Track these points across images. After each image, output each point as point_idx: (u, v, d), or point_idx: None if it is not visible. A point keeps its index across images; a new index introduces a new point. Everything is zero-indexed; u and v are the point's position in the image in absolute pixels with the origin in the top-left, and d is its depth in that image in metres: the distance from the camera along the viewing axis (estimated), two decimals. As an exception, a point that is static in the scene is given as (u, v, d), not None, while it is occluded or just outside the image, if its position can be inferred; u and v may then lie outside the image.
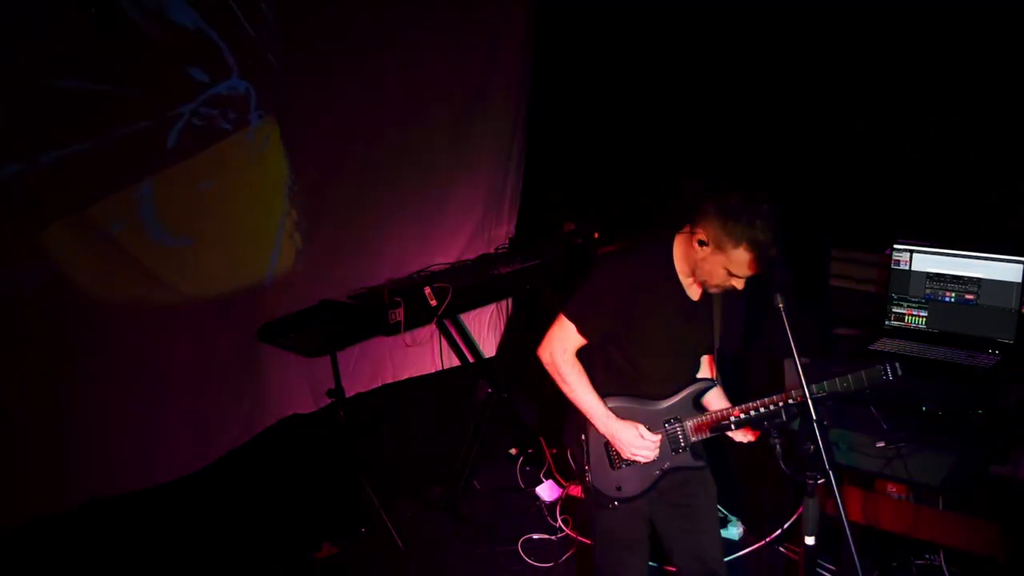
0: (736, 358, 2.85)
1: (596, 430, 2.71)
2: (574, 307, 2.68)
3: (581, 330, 2.65)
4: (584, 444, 2.74)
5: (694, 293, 2.70)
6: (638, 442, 2.66)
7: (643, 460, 2.69)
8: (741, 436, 2.73)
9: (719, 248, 2.49)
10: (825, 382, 2.51)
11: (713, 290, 2.63)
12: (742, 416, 2.61)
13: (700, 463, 2.78)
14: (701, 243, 2.53)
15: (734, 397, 2.79)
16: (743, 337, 2.86)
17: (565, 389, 2.71)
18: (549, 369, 2.72)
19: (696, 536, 2.83)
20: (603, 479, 2.74)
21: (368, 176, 4.53)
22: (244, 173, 4.13)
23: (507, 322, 5.30)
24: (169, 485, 3.87)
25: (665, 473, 2.74)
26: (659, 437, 2.69)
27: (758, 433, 2.70)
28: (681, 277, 2.66)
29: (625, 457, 2.70)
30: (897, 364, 2.47)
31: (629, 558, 2.83)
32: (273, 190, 4.20)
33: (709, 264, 2.53)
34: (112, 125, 3.65)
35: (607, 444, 2.72)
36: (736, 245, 2.45)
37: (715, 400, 2.80)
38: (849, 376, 2.51)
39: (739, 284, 2.54)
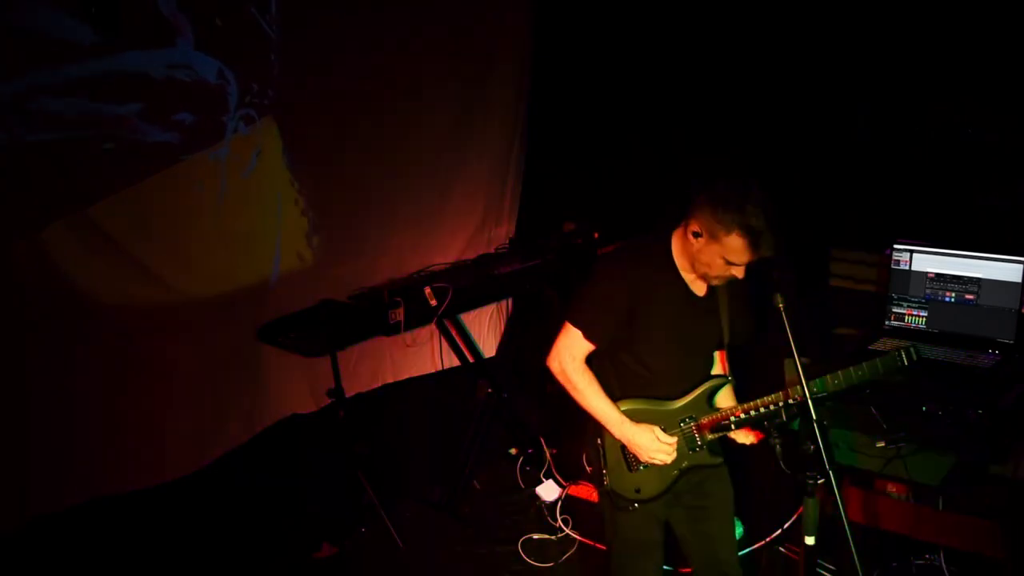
0: (746, 353, 2.84)
1: (608, 433, 2.71)
2: (578, 313, 2.66)
3: (588, 336, 2.64)
4: (600, 448, 2.73)
5: (699, 289, 2.68)
6: (655, 445, 2.65)
7: (661, 463, 2.68)
8: (743, 437, 2.73)
9: (713, 237, 2.48)
10: (840, 372, 2.51)
11: (715, 282, 2.62)
12: (743, 416, 2.61)
13: (718, 460, 2.77)
14: (695, 235, 2.52)
15: (741, 395, 2.78)
16: (755, 329, 2.83)
17: (577, 397, 2.69)
18: (559, 379, 2.70)
19: (712, 538, 2.84)
20: (622, 482, 2.73)
21: (368, 176, 4.52)
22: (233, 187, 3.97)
23: (507, 322, 5.29)
24: (169, 485, 3.87)
25: (684, 473, 2.73)
26: (675, 439, 2.68)
27: (761, 436, 2.70)
28: (683, 273, 2.65)
29: (643, 461, 2.69)
30: (912, 348, 2.47)
31: (644, 561, 2.82)
32: (273, 190, 4.19)
33: (706, 255, 2.52)
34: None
35: (622, 447, 2.71)
36: (728, 232, 2.44)
37: (728, 397, 2.79)
38: (864, 364, 2.50)
39: (739, 272, 2.53)
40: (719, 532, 2.86)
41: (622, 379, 2.70)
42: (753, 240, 2.44)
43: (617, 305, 2.62)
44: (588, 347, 2.66)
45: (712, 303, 2.70)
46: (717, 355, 2.87)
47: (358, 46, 4.31)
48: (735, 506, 2.92)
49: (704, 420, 2.69)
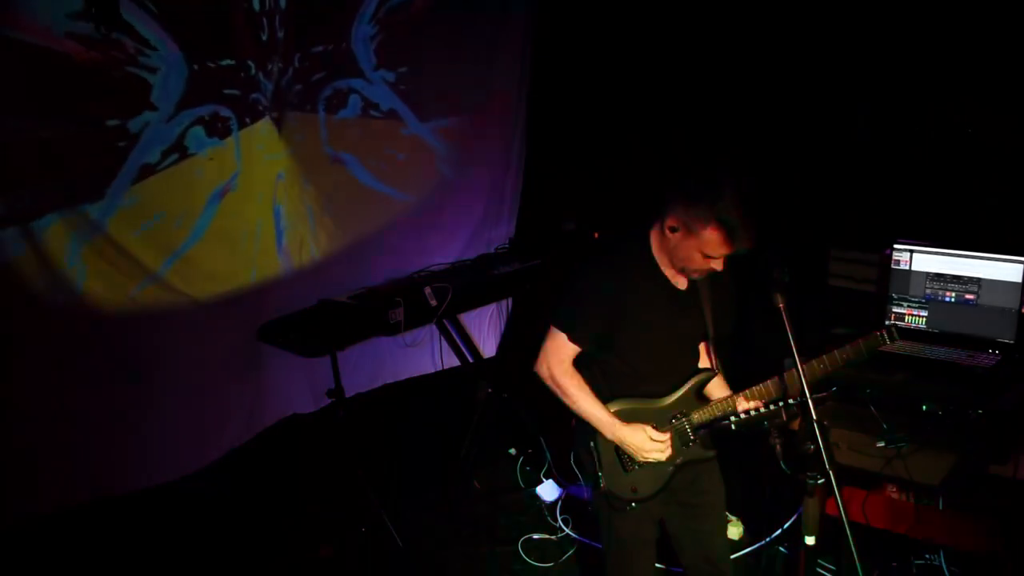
0: (733, 347, 2.85)
1: (602, 435, 2.70)
2: (561, 317, 2.67)
3: (572, 338, 2.64)
4: (594, 450, 2.73)
5: (679, 283, 2.70)
6: (648, 444, 2.65)
7: (656, 461, 2.68)
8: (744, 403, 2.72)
9: (690, 231, 2.50)
10: (826, 356, 2.56)
11: (694, 275, 2.64)
12: (742, 416, 2.61)
13: (711, 453, 2.77)
14: (672, 229, 2.54)
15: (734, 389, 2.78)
16: (736, 319, 2.84)
17: (567, 402, 2.69)
18: (548, 384, 2.71)
19: (705, 536, 2.84)
20: (617, 483, 2.73)
21: (368, 176, 4.52)
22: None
23: (507, 322, 5.30)
24: (169, 485, 3.87)
25: (678, 469, 2.73)
26: (668, 435, 2.69)
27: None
28: (663, 269, 2.67)
29: (638, 460, 2.69)
30: (894, 328, 2.55)
31: (639, 560, 2.83)
32: (272, 190, 4.19)
33: (683, 250, 2.54)
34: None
35: (618, 448, 2.71)
36: (705, 225, 2.46)
37: (717, 389, 2.79)
38: (848, 346, 2.57)
39: (718, 265, 2.55)
40: (712, 528, 2.86)
41: (609, 379, 2.71)
42: (729, 232, 2.45)
43: (600, 305, 2.62)
44: (574, 350, 2.66)
45: (694, 297, 2.72)
46: (701, 348, 2.88)
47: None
48: (735, 505, 2.91)
49: (696, 415, 2.70)
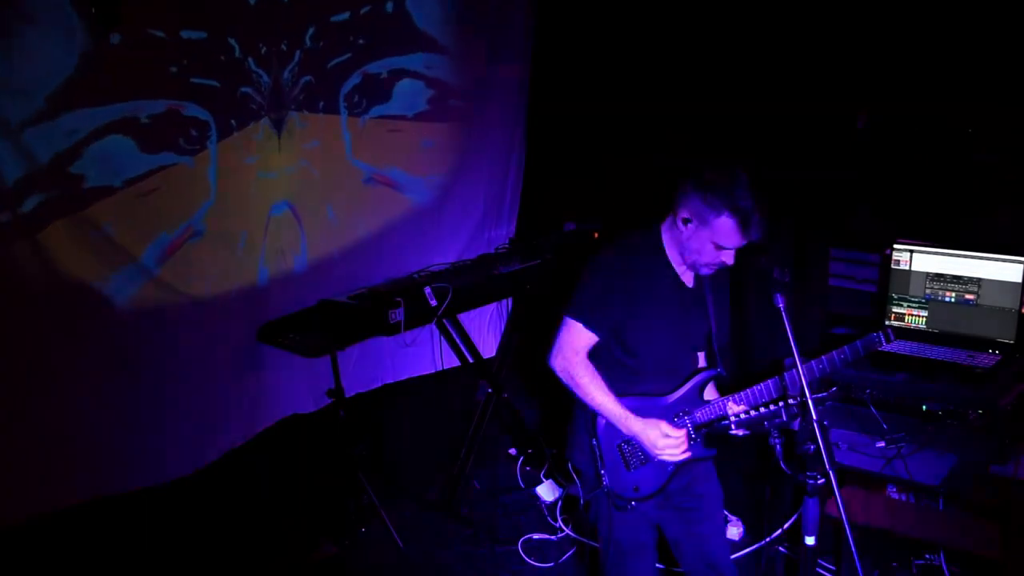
0: (730, 351, 2.86)
1: (604, 433, 2.70)
2: (576, 305, 2.66)
3: (589, 325, 2.63)
4: (595, 448, 2.72)
5: (688, 280, 2.72)
6: (663, 441, 2.64)
7: (671, 459, 2.66)
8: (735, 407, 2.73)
9: (703, 222, 2.51)
10: (824, 356, 2.57)
11: (704, 271, 2.65)
12: (742, 416, 2.61)
13: (711, 452, 2.77)
14: (685, 221, 2.56)
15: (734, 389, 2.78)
16: (731, 326, 2.85)
17: (580, 393, 2.67)
18: (562, 376, 2.68)
19: (704, 539, 2.83)
20: (619, 481, 2.72)
21: (368, 175, 4.52)
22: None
23: (507, 322, 5.30)
24: (169, 485, 3.87)
25: (678, 467, 2.72)
26: (683, 432, 2.67)
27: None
28: (674, 264, 2.68)
29: (654, 456, 2.67)
30: (890, 330, 2.57)
31: (637, 563, 2.82)
32: (272, 189, 4.19)
33: (696, 241, 2.55)
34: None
35: (620, 445, 2.70)
36: (718, 214, 2.48)
37: (717, 390, 2.80)
38: (846, 348, 2.58)
39: (729, 258, 2.56)
40: (711, 532, 2.86)
41: (614, 376, 2.70)
42: (743, 221, 2.47)
43: (613, 293, 2.63)
44: (590, 339, 2.65)
45: (700, 295, 2.73)
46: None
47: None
48: (735, 505, 2.91)
49: (698, 414, 2.70)
